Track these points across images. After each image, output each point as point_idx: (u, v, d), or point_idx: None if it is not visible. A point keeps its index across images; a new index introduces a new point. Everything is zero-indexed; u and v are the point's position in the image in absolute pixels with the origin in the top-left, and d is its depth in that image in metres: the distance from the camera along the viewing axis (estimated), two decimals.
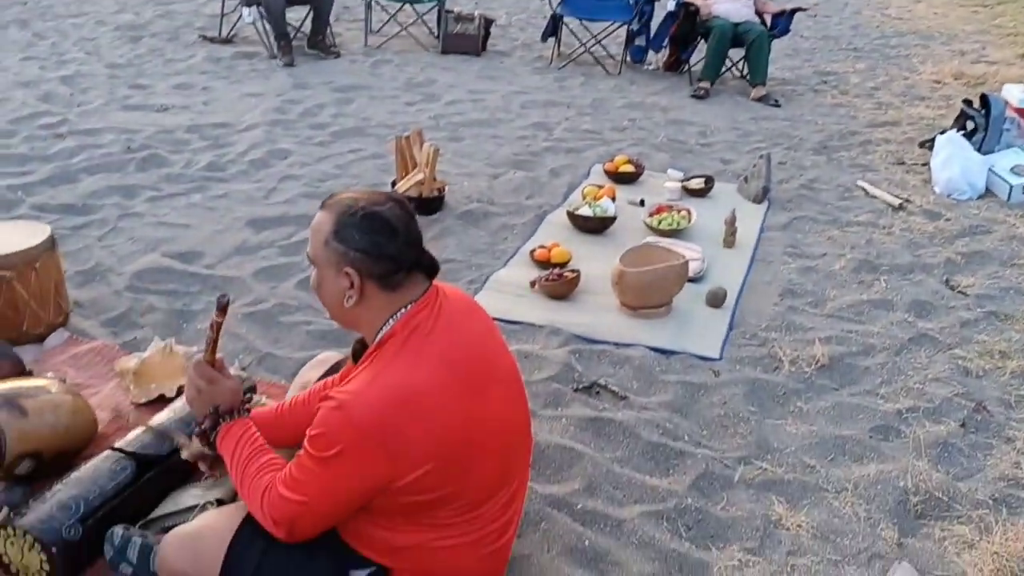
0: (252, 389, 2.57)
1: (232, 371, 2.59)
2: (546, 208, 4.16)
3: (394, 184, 4.13)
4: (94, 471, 2.07)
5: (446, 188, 4.15)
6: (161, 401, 2.55)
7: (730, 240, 3.83)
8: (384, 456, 1.55)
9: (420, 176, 3.98)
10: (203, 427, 1.84)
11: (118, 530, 1.93)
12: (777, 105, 6.01)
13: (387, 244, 1.63)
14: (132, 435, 2.22)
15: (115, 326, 3.04)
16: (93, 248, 3.54)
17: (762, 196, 4.33)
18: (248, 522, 1.71)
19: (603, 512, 2.22)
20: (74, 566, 1.90)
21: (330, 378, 2.03)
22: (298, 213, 3.98)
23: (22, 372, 2.57)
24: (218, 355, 1.91)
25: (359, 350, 1.81)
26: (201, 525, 1.78)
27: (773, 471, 2.42)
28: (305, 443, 1.59)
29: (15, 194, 3.96)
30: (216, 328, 1.88)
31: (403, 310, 1.66)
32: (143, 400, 2.58)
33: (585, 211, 3.94)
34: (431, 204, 4.04)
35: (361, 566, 1.71)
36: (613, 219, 3.93)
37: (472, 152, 4.90)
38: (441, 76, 6.35)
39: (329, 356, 2.32)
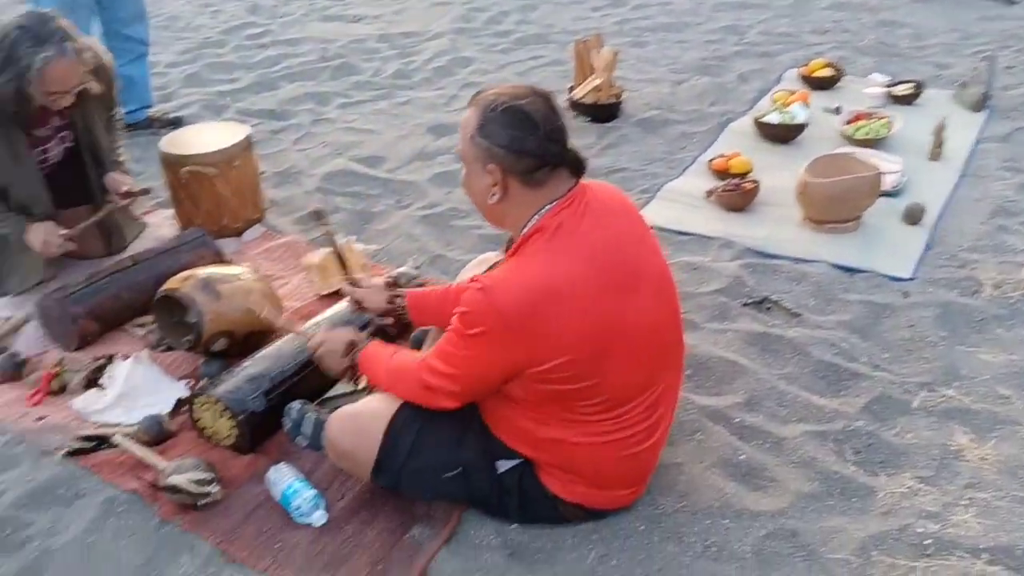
0: (420, 287, 2.67)
1: (406, 268, 2.74)
2: (730, 116, 3.95)
3: (571, 90, 4.06)
4: (278, 351, 2.24)
5: (624, 95, 4.03)
6: (340, 294, 2.72)
7: (936, 152, 3.46)
8: (522, 341, 1.58)
9: (597, 81, 3.88)
10: (347, 369, 1.98)
11: (296, 405, 2.11)
12: (1013, 1, 5.29)
13: (527, 139, 1.60)
14: (312, 321, 2.38)
15: (305, 224, 3.23)
16: (289, 151, 3.77)
17: (981, 103, 3.87)
18: (406, 406, 1.80)
19: (763, 428, 2.14)
20: (257, 434, 2.09)
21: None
22: None
23: (221, 261, 2.81)
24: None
25: (511, 243, 1.82)
26: (364, 405, 1.89)
27: (960, 400, 2.22)
28: (453, 320, 1.64)
29: (223, 100, 4.27)
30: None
31: (547, 207, 1.64)
32: (324, 292, 2.76)
33: (773, 118, 3.69)
34: (608, 111, 3.95)
35: (506, 457, 1.76)
36: (803, 127, 3.66)
37: (655, 58, 4.71)
38: None
39: (491, 256, 2.35)
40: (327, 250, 2.81)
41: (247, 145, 3.06)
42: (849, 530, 1.84)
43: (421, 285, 2.68)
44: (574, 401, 1.65)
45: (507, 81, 4.47)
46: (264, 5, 5.71)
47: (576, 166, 1.66)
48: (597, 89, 3.88)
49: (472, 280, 1.63)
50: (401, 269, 2.76)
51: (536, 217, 1.64)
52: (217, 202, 3.01)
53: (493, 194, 1.65)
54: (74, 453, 2.07)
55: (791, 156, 3.46)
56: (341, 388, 2.24)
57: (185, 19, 5.40)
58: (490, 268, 2.28)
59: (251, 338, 2.42)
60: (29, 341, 2.52)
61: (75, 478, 2.01)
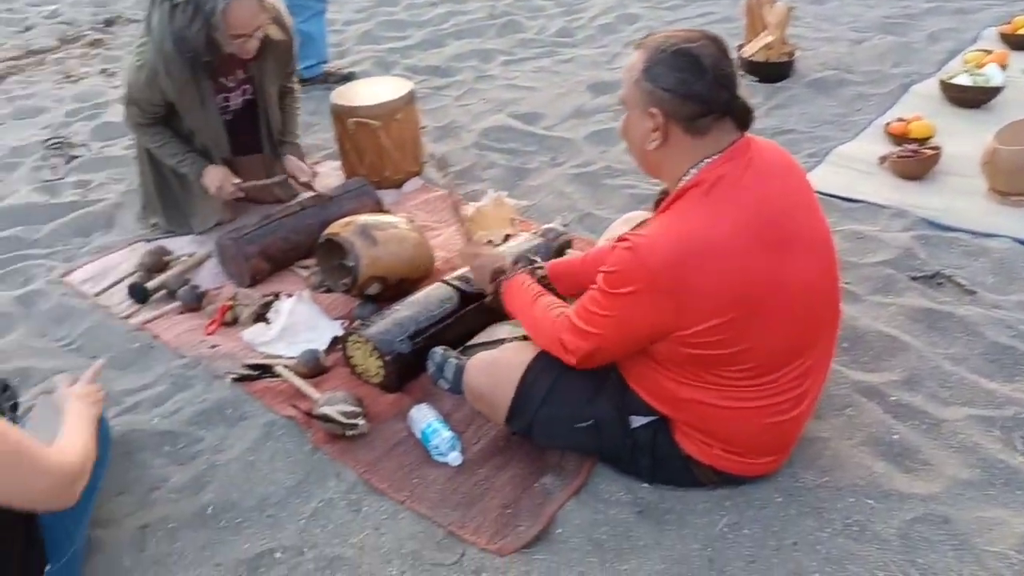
0: (568, 244, 2.68)
1: (554, 225, 2.74)
2: (914, 77, 3.66)
3: (740, 47, 3.90)
4: (426, 298, 2.33)
5: (797, 53, 3.82)
6: (489, 245, 2.78)
7: None
8: (672, 302, 1.53)
9: (769, 39, 3.70)
10: (488, 292, 2.03)
11: (439, 350, 2.18)
12: None
13: (695, 83, 1.54)
14: (459, 272, 2.44)
15: (462, 178, 3.31)
16: (450, 108, 3.86)
17: None
18: (542, 354, 1.82)
19: (921, 408, 2.00)
20: (403, 374, 2.18)
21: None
22: None
23: (381, 210, 2.93)
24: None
25: (661, 199, 1.78)
26: (502, 352, 1.93)
27: None
28: (599, 279, 1.63)
29: (393, 56, 4.42)
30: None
31: (708, 159, 1.58)
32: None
33: (963, 80, 3.39)
34: (778, 69, 3.76)
35: (642, 413, 1.74)
36: (998, 90, 3.34)
37: (835, 15, 4.43)
38: None
39: (637, 215, 2.32)
40: (480, 203, 2.88)
41: (409, 99, 3.16)
42: (1011, 523, 1.70)
43: (569, 243, 2.68)
44: (721, 367, 1.60)
45: None
46: None
47: (743, 117, 1.59)
48: (768, 47, 3.70)
49: (620, 239, 1.60)
50: (549, 225, 2.77)
51: (694, 169, 1.58)
52: (380, 153, 3.13)
53: (652, 140, 1.61)
54: (241, 379, 2.25)
55: (980, 122, 3.18)
56: (483, 337, 2.29)
57: None
58: (637, 226, 2.26)
59: (403, 284, 2.52)
60: (208, 276, 2.74)
61: (240, 401, 2.19)
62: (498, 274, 1.97)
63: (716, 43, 1.59)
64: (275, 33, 2.71)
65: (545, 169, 3.32)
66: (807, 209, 1.66)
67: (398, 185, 3.22)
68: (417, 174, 3.28)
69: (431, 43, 4.56)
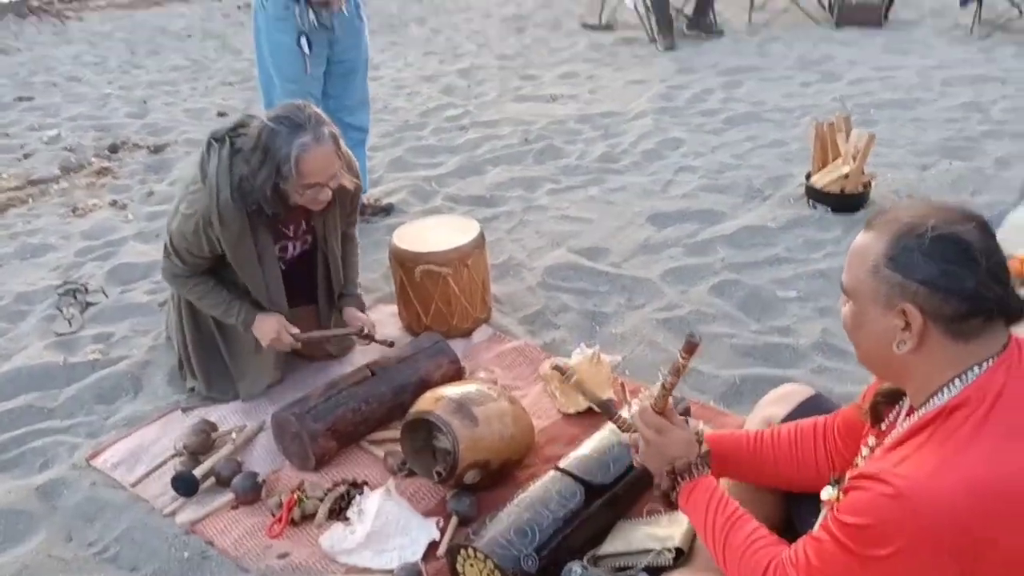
0: (687, 411, 2.33)
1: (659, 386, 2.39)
2: (1002, 207, 3.44)
3: (808, 177, 3.68)
4: (544, 493, 1.94)
5: (873, 182, 3.61)
6: (589, 413, 2.42)
7: None
8: (957, 567, 1.17)
9: (845, 169, 3.48)
10: (662, 487, 1.61)
11: (576, 569, 1.78)
12: None
13: (966, 277, 1.23)
14: (574, 456, 2.07)
15: (531, 324, 2.97)
16: (504, 241, 3.56)
17: None
18: None
19: None
20: None
21: (820, 419, 1.69)
22: (700, 208, 3.70)
23: (459, 369, 2.57)
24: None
25: (881, 403, 1.45)
26: None
27: None
28: (837, 530, 1.25)
29: (430, 185, 4.14)
30: (678, 372, 1.60)
31: (976, 369, 1.25)
32: (571, 411, 2.46)
33: None
34: (854, 200, 3.53)
35: None
36: None
37: (890, 138, 4.26)
38: (839, 52, 5.71)
39: (794, 391, 1.96)
40: (573, 361, 2.53)
41: (480, 242, 2.85)
42: None
43: (688, 410, 2.34)
44: None
45: (724, 164, 4.15)
46: (457, 86, 5.66)
47: (1017, 314, 1.27)
48: (844, 177, 3.48)
49: (868, 477, 1.24)
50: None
51: (959, 382, 1.25)
52: (448, 301, 2.79)
53: (902, 342, 1.27)
54: None
55: None
56: (619, 544, 1.90)
57: (382, 101, 5.40)
58: (800, 408, 1.90)
59: (504, 467, 2.14)
60: (262, 455, 2.34)
61: None
62: (683, 468, 1.58)
63: (982, 225, 1.27)
64: (348, 182, 2.40)
65: (624, 313, 3.00)
66: None
67: (467, 334, 2.87)
68: (486, 321, 2.94)
69: (468, 170, 4.30)
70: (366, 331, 2.60)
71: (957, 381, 1.25)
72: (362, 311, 2.70)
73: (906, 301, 1.25)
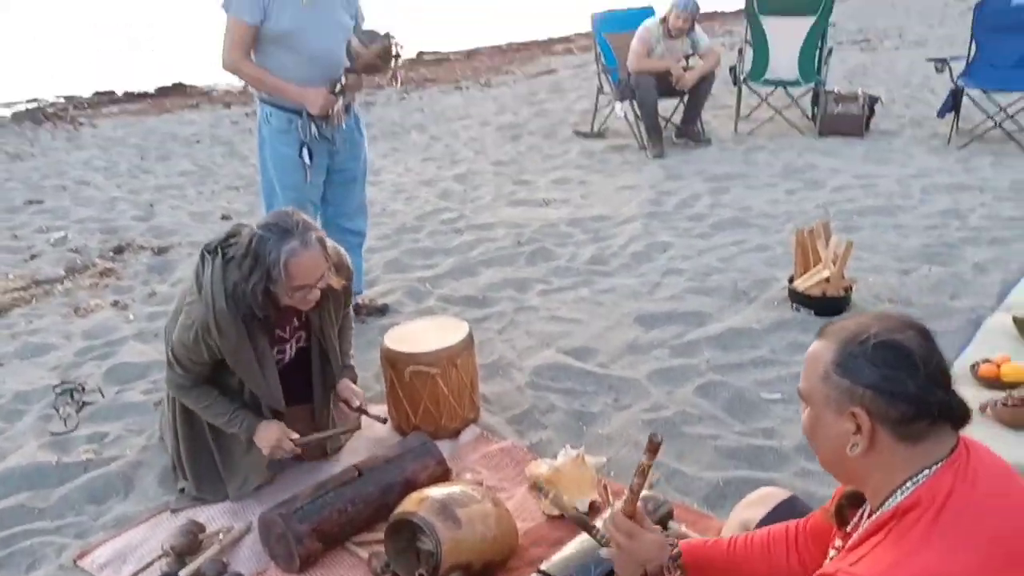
0: (669, 514, 2.36)
1: (653, 492, 2.42)
2: (980, 311, 3.54)
3: (791, 280, 3.79)
4: None
5: (854, 287, 3.71)
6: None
7: None
8: None
9: (825, 273, 3.60)
10: None
11: None
12: None
13: (907, 381, 1.31)
14: (556, 558, 2.09)
15: (519, 424, 3.02)
16: (495, 341, 3.64)
17: None
18: None
19: None
20: None
21: (792, 523, 1.73)
22: (686, 310, 3.80)
23: (446, 470, 2.61)
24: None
25: (845, 506, 1.50)
26: None
27: None
28: None
29: (424, 286, 4.25)
30: (644, 473, 1.65)
31: (926, 471, 1.31)
32: (554, 513, 2.48)
33: None
34: (836, 303, 3.63)
35: None
36: None
37: (872, 244, 4.39)
38: (822, 160, 5.93)
39: (770, 493, 2.01)
40: (557, 462, 2.57)
41: (468, 343, 2.93)
42: None
43: (670, 513, 2.36)
44: None
45: (711, 267, 4.27)
46: (454, 190, 5.85)
47: (961, 417, 1.34)
48: (825, 281, 3.59)
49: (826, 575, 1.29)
50: (646, 493, 2.46)
51: (911, 484, 1.31)
52: (436, 401, 2.85)
53: (854, 445, 1.34)
54: None
55: None
56: None
57: (381, 204, 5.58)
58: (775, 511, 1.94)
59: (487, 569, 2.16)
60: (247, 556, 2.36)
61: None
62: (655, 572, 1.62)
63: (923, 332, 1.37)
64: (336, 281, 2.50)
65: (611, 413, 3.05)
66: None
67: (455, 434, 2.91)
68: (474, 421, 2.99)
69: (462, 271, 4.43)
70: (357, 404, 2.69)
71: (909, 483, 1.31)
72: (355, 382, 2.77)
73: (855, 405, 1.33)
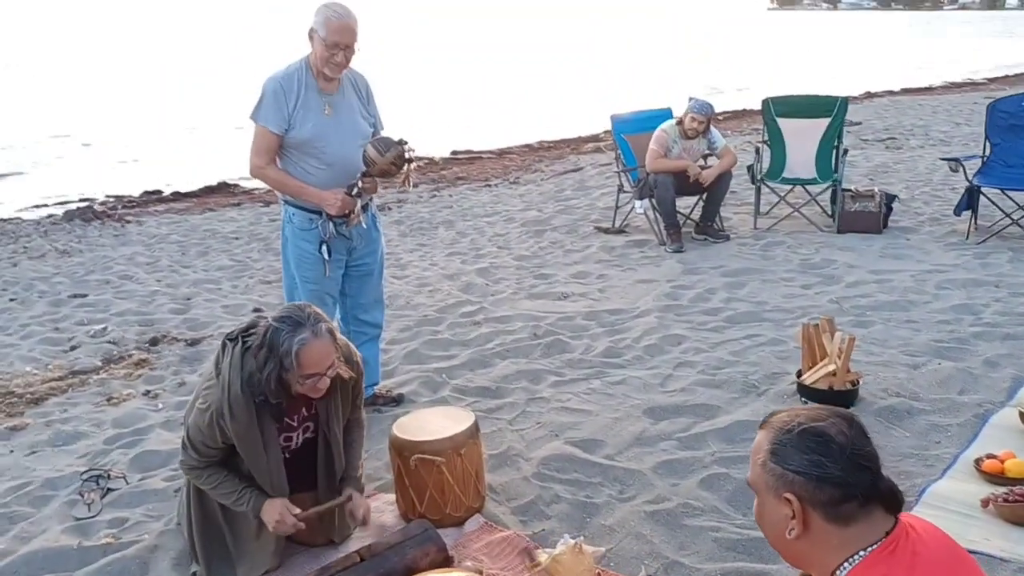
0: None
1: None
2: (987, 407, 3.55)
3: (799, 375, 3.84)
4: None
5: (860, 380, 3.75)
6: None
7: None
8: None
9: (831, 367, 3.65)
10: None
11: None
12: None
13: (830, 465, 1.40)
14: None
15: (523, 514, 3.08)
16: (505, 431, 3.72)
17: None
18: None
19: None
20: None
21: None
22: (696, 403, 3.85)
23: (446, 557, 2.67)
24: None
25: None
26: None
27: None
28: None
29: (440, 377, 4.37)
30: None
31: (862, 553, 1.38)
32: None
33: None
34: (843, 398, 3.66)
35: None
36: None
37: (884, 339, 4.44)
38: (839, 256, 6.02)
39: None
40: (556, 551, 2.62)
41: (474, 432, 3.02)
42: None
43: None
44: None
45: (723, 360, 4.34)
46: (476, 284, 6.03)
47: (892, 501, 1.42)
48: (831, 375, 3.64)
49: None
50: None
51: (848, 565, 1.38)
52: (442, 489, 2.93)
53: (791, 528, 1.44)
54: None
55: None
56: None
57: (405, 297, 5.77)
58: None
59: None
60: None
61: None
62: None
63: (848, 421, 1.47)
64: (345, 372, 2.65)
65: (615, 505, 3.09)
66: None
67: (459, 523, 2.97)
68: (479, 509, 3.05)
69: (477, 363, 4.54)
70: (359, 514, 2.78)
71: (847, 564, 1.39)
72: (360, 492, 2.87)
73: (787, 490, 1.43)
